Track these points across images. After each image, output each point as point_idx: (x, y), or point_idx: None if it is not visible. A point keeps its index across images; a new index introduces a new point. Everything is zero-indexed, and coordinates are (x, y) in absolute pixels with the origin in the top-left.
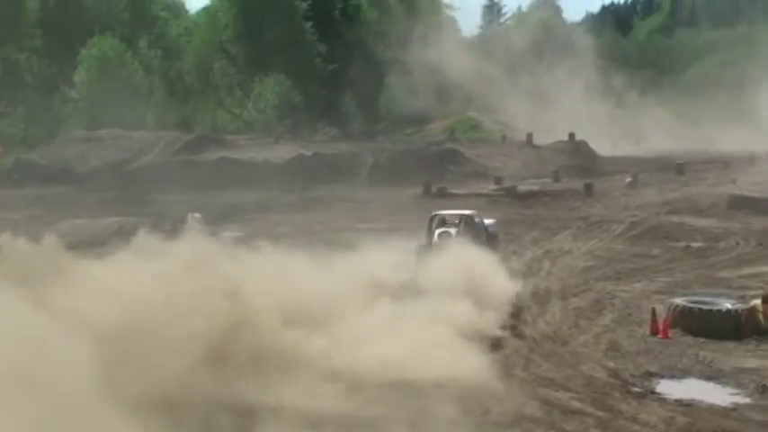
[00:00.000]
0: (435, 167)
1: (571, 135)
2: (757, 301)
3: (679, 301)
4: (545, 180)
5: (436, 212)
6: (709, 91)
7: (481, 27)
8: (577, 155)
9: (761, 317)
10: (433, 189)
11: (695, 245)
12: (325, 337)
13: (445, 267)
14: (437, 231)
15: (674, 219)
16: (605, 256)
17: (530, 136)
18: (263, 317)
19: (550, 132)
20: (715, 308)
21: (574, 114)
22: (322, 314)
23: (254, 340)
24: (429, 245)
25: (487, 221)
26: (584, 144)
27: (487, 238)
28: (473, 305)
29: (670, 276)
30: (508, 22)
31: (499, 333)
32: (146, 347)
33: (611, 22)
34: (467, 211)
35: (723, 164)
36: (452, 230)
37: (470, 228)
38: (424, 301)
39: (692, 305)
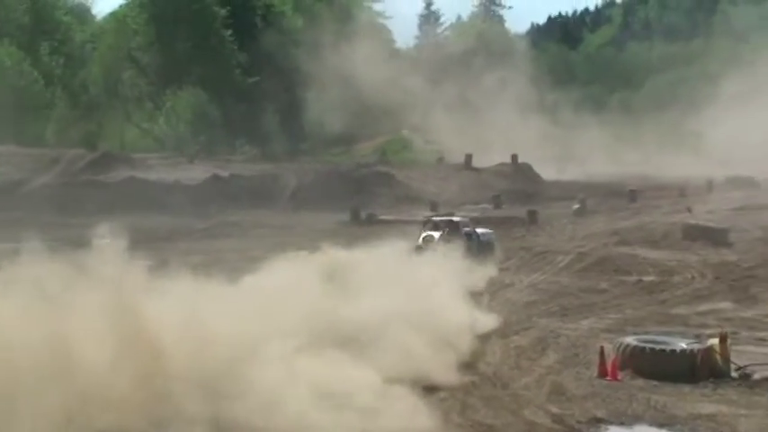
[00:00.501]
0: (364, 191)
1: (513, 157)
2: (714, 341)
3: (629, 340)
4: (485, 206)
5: (430, 216)
6: (658, 110)
7: (417, 38)
8: (520, 179)
9: (718, 358)
10: (362, 215)
11: (648, 279)
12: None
13: (398, 292)
14: (423, 234)
15: (625, 250)
16: (550, 291)
17: (468, 158)
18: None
19: (490, 154)
20: (668, 348)
21: (516, 135)
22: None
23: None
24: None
25: (481, 230)
26: (527, 167)
27: (479, 247)
28: (411, 339)
29: (620, 313)
30: (446, 32)
31: (436, 374)
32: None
33: (558, 35)
34: (455, 218)
35: (678, 191)
36: (436, 234)
37: (456, 234)
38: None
39: (643, 345)
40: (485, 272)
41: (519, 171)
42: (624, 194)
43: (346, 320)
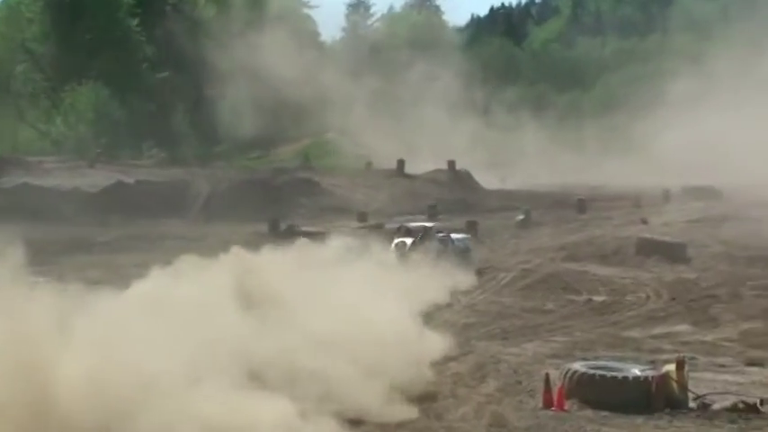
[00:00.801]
0: (285, 200)
1: (450, 163)
2: (671, 367)
3: (578, 366)
4: (419, 217)
5: (404, 223)
6: (608, 112)
7: (344, 30)
8: (458, 187)
9: (675, 386)
10: (282, 226)
11: (598, 298)
12: None
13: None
14: (395, 241)
15: (574, 266)
16: (490, 311)
17: (400, 163)
18: None
19: (424, 159)
20: (620, 375)
21: (450, 138)
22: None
23: None
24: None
25: (456, 236)
26: (465, 174)
27: (455, 253)
28: (336, 364)
29: (568, 336)
30: (377, 24)
31: (362, 405)
32: None
33: (501, 28)
34: (428, 223)
35: (632, 201)
36: (408, 241)
37: (429, 240)
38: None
39: (593, 371)
40: (448, 281)
41: (457, 179)
42: (572, 205)
43: (261, 343)
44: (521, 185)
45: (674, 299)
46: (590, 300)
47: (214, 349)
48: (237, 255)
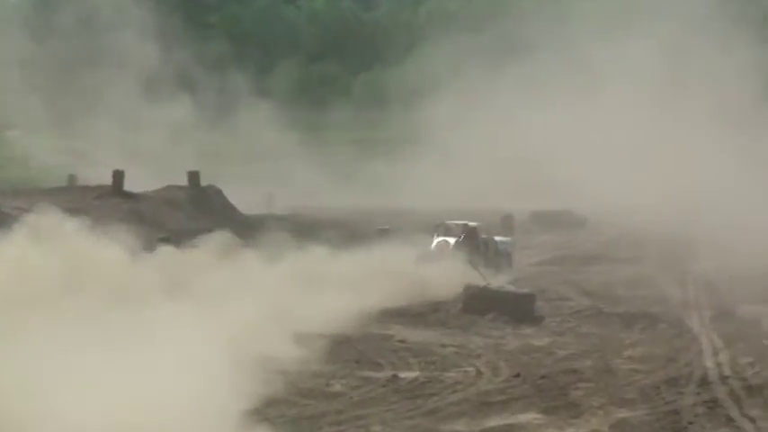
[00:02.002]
0: None
1: (193, 176)
2: None
3: None
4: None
5: (443, 221)
6: (421, 101)
7: None
8: (204, 211)
9: None
10: None
11: (407, 375)
12: None
13: None
14: (436, 240)
15: (373, 328)
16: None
17: (119, 176)
18: None
19: (155, 169)
20: None
21: (196, 139)
22: None
23: None
24: (429, 252)
25: (500, 239)
26: (215, 192)
27: (496, 255)
28: None
29: (362, 431)
30: None
31: None
32: None
33: None
34: (472, 223)
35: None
36: (451, 240)
37: (472, 241)
38: None
39: None
40: None
41: (202, 199)
42: (370, 236)
43: None
44: (296, 207)
45: (517, 375)
46: (395, 377)
47: None
48: None
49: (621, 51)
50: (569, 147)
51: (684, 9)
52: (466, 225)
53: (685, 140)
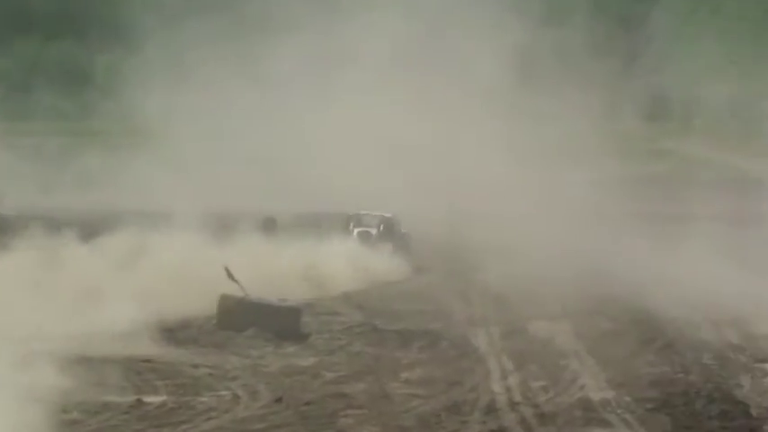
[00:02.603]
0: None
1: None
2: None
3: None
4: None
5: (357, 212)
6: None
7: None
8: None
9: None
10: None
11: (153, 400)
12: None
13: None
14: (356, 230)
15: (117, 347)
16: None
17: None
18: None
19: None
20: None
21: None
22: None
23: None
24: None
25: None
26: None
27: (402, 241)
28: None
29: None
30: None
31: None
32: None
33: None
34: (387, 214)
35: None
36: (372, 231)
37: (390, 231)
38: None
39: None
40: None
41: None
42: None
43: None
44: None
45: (279, 400)
46: (139, 402)
47: None
48: None
49: (373, 37)
50: (322, 143)
51: None
52: (383, 216)
53: (445, 132)
